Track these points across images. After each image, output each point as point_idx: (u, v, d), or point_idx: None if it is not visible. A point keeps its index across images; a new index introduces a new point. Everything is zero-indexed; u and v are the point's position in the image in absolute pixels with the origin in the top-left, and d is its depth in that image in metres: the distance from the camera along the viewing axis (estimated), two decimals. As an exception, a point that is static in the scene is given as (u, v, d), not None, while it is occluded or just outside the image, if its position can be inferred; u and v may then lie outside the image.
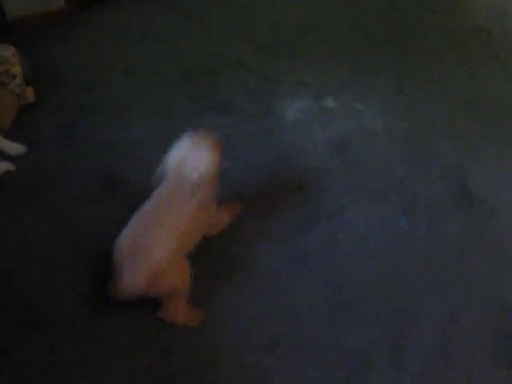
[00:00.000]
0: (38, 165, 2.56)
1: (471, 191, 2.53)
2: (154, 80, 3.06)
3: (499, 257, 2.26)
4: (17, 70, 2.80)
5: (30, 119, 2.79)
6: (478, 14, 3.85)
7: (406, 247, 2.27)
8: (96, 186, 2.47)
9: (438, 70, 3.26)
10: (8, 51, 2.81)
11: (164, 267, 1.83)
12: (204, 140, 1.96)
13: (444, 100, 3.03)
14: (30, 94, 2.87)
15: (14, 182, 2.47)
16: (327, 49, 3.38)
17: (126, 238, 1.88)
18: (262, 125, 2.79)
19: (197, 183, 1.92)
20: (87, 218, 2.32)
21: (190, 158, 1.93)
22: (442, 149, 2.72)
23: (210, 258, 2.17)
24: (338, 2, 3.86)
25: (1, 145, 2.61)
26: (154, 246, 1.83)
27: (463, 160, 2.67)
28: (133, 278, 1.79)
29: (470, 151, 2.72)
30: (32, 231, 2.27)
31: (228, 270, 2.15)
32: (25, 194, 2.42)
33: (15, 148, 2.62)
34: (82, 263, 2.16)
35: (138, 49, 3.31)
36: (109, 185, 2.47)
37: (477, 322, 2.03)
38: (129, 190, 2.44)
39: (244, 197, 2.41)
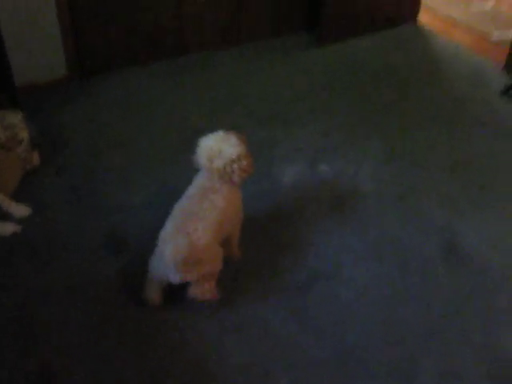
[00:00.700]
0: (44, 226, 2.64)
1: (460, 250, 2.64)
2: (155, 147, 3.20)
3: (491, 311, 2.35)
4: (24, 135, 2.92)
5: (35, 182, 2.89)
6: (458, 86, 4.09)
7: (402, 302, 2.36)
8: (101, 247, 2.54)
9: (425, 137, 3.43)
10: (15, 117, 2.93)
11: (204, 252, 2.11)
12: (233, 135, 2.25)
13: (431, 165, 3.18)
14: (35, 158, 2.98)
15: (20, 244, 2.54)
16: (320, 116, 3.56)
17: (168, 228, 2.16)
18: (260, 188, 2.91)
19: (229, 163, 2.18)
20: (93, 280, 2.39)
21: (221, 148, 2.19)
22: (432, 211, 2.86)
23: (216, 315, 2.24)
24: (329, 73, 4.08)
25: (6, 207, 2.69)
26: (195, 234, 2.09)
27: (451, 221, 2.80)
28: (176, 249, 2.02)
29: (457, 213, 2.86)
30: (39, 293, 2.32)
31: (234, 328, 2.21)
32: (31, 256, 2.49)
33: (20, 210, 2.70)
34: (91, 322, 2.21)
35: (139, 117, 3.46)
36: (114, 247, 2.55)
37: (474, 375, 2.10)
38: (134, 252, 2.52)
39: (244, 254, 2.50)
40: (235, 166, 2.19)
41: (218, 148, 2.19)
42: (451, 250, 2.64)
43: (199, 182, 2.29)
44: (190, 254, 2.05)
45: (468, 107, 3.81)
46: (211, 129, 2.29)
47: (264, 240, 2.62)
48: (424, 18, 5.15)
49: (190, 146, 2.22)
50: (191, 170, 2.33)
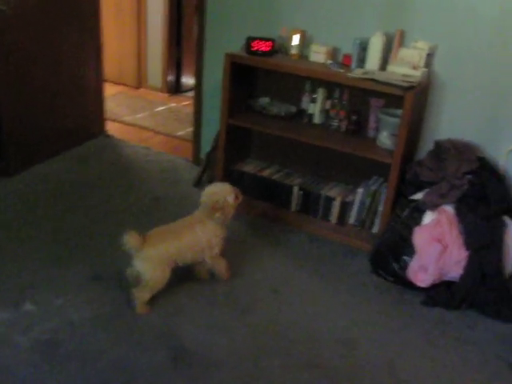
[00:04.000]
0: None
1: (186, 348, 2.66)
2: None
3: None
4: None
5: None
6: (155, 186, 4.26)
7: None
8: None
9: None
10: None
11: (156, 257, 2.80)
12: (230, 186, 3.03)
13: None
14: None
15: None
16: (23, 250, 3.35)
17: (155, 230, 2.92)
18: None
19: (218, 207, 2.92)
20: None
21: (218, 193, 2.98)
22: (151, 319, 2.84)
23: None
24: (20, 202, 3.86)
25: None
26: (162, 243, 2.84)
27: (174, 322, 2.83)
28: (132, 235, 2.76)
29: (177, 313, 2.89)
30: None
31: None
32: None
33: None
34: None
35: None
36: None
37: None
38: None
39: None
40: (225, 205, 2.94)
41: (217, 190, 2.99)
42: (179, 350, 2.65)
43: (195, 213, 3.01)
44: (138, 246, 2.75)
45: (161, 204, 4.02)
46: None
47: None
48: (112, 128, 5.31)
49: None
50: None
